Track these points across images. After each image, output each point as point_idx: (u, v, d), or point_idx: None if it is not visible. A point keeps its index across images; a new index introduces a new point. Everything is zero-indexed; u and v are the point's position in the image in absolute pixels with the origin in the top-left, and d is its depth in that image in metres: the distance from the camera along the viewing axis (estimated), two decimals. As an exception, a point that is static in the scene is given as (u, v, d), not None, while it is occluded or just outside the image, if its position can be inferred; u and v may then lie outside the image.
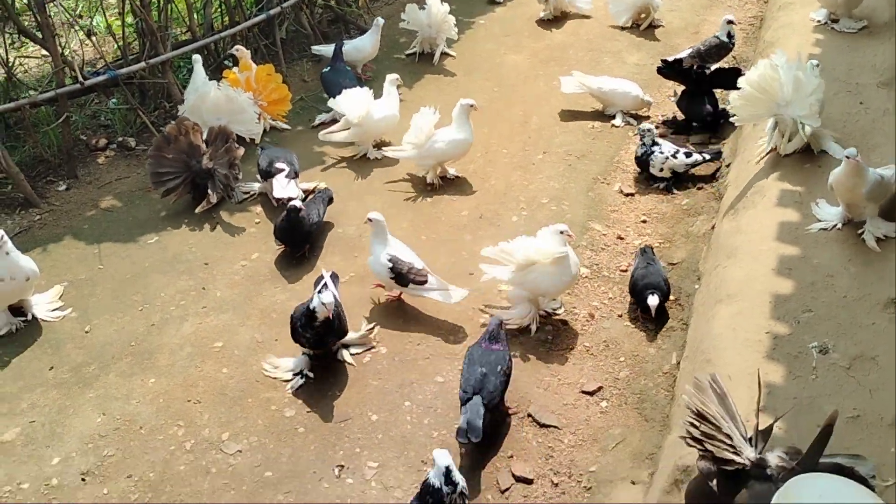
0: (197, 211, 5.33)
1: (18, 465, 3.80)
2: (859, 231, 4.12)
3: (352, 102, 5.77)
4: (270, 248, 5.06)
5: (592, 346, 4.38)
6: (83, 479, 3.72)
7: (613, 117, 6.35)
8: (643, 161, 5.61)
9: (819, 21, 6.26)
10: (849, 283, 3.86)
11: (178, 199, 5.41)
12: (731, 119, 5.18)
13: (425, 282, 4.43)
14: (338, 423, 3.97)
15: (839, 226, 4.20)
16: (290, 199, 4.98)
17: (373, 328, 4.43)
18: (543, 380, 4.17)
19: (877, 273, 3.89)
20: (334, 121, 6.14)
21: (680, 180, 5.60)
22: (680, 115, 6.28)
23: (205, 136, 5.47)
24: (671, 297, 4.56)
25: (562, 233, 4.27)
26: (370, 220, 4.53)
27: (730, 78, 5.74)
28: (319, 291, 4.04)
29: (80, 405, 4.08)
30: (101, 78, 5.90)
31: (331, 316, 3.96)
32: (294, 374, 4.18)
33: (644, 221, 5.29)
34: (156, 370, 4.27)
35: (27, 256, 4.50)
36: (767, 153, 4.96)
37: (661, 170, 5.56)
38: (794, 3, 6.71)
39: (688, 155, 5.59)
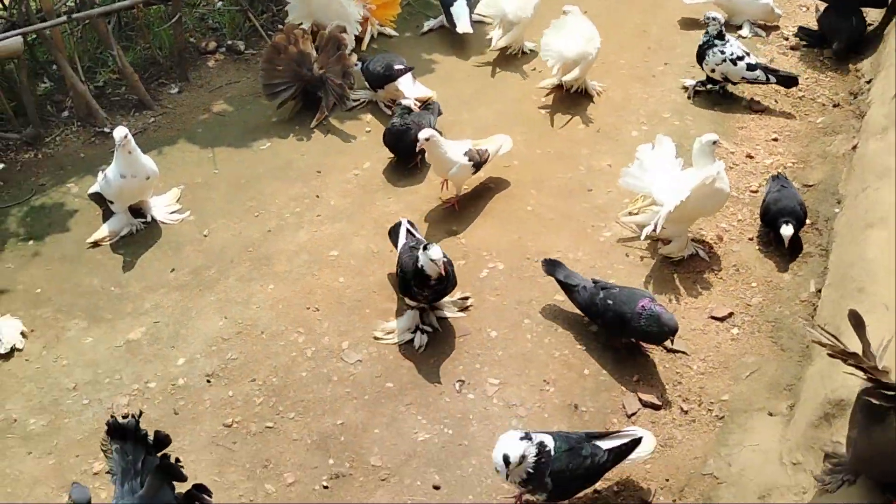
0: (312, 126, 5.21)
1: (145, 363, 3.87)
2: None
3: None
4: (382, 157, 4.94)
5: (721, 270, 4.17)
6: (208, 381, 3.76)
7: (740, 27, 5.91)
8: (700, 54, 5.17)
9: None
10: None
11: (294, 109, 5.31)
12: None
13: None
14: (458, 337, 3.90)
15: None
16: (428, 99, 4.96)
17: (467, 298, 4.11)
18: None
19: None
20: (442, 26, 5.92)
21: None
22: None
23: (315, 42, 5.32)
24: (807, 222, 4.28)
25: (714, 143, 4.01)
26: (426, 139, 4.28)
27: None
28: (425, 248, 3.63)
29: (201, 307, 4.11)
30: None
31: (443, 272, 3.65)
32: (412, 332, 3.92)
33: (775, 140, 4.96)
34: (274, 276, 4.25)
35: (147, 156, 4.49)
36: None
37: (713, 70, 5.12)
38: None
39: (751, 68, 5.04)
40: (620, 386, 3.67)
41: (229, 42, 6.00)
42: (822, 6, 5.71)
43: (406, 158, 4.86)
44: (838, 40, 5.50)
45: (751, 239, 4.33)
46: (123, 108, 5.48)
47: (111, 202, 4.48)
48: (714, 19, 5.10)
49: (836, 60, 5.53)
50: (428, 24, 6.11)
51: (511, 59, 5.73)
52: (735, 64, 5.04)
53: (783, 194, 4.22)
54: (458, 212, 4.52)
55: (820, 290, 3.88)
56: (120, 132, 4.21)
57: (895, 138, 4.17)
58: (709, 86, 5.24)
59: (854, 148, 4.60)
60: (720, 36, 5.09)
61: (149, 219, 4.57)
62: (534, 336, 3.89)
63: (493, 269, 4.24)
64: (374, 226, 4.50)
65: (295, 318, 4.03)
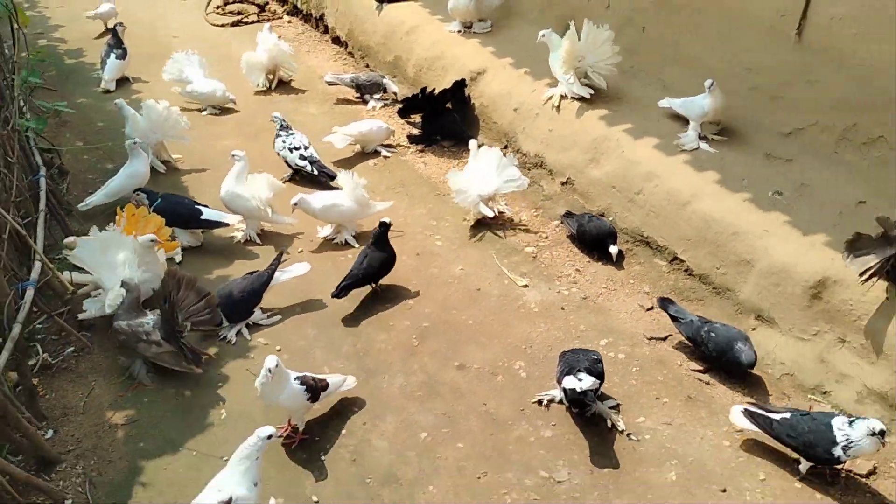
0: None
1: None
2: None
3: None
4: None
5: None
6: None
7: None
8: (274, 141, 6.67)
9: (456, 31, 7.63)
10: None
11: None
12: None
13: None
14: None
15: None
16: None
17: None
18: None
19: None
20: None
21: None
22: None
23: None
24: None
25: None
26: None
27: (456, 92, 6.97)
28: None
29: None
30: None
31: None
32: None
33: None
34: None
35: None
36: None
37: (279, 154, 6.55)
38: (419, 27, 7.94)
39: (302, 158, 6.44)
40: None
41: (31, 362, 4.37)
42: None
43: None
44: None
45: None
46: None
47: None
48: (276, 117, 6.71)
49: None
50: None
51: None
52: (291, 151, 6.49)
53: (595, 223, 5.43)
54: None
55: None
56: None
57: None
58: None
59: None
60: (283, 128, 6.65)
61: None
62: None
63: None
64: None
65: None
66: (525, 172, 6.30)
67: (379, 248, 5.08)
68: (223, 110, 7.73)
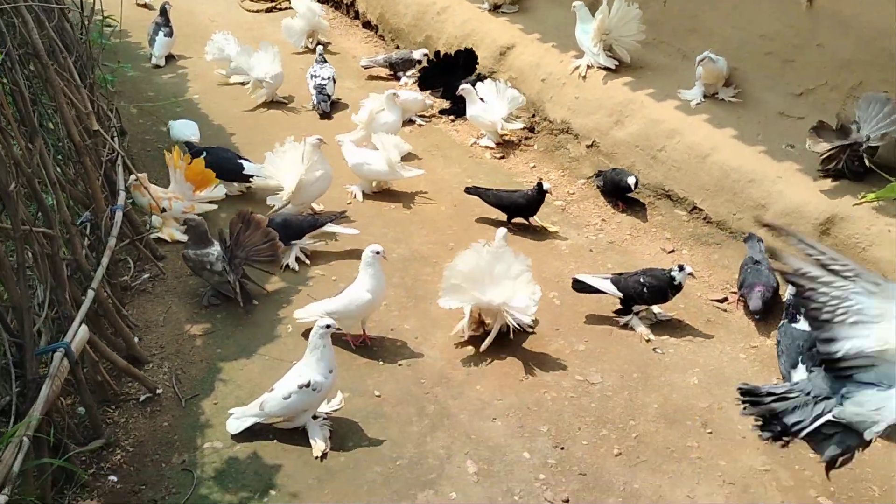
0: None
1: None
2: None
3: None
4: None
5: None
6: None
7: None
8: None
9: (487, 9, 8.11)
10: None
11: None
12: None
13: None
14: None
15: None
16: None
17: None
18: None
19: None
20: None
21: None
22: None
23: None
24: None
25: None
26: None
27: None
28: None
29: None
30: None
31: None
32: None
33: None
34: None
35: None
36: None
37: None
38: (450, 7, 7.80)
39: (314, 87, 7.50)
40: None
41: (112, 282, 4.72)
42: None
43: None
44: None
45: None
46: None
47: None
48: (319, 51, 7.75)
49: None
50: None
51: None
52: (311, 79, 7.53)
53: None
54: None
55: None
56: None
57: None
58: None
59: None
60: (319, 61, 7.61)
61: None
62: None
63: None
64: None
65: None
66: (552, 138, 6.79)
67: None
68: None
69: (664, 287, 4.58)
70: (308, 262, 5.31)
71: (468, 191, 5.91)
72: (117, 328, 4.19)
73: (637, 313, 4.73)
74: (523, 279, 4.37)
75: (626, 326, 4.70)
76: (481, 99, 6.88)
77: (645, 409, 4.10)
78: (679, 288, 4.61)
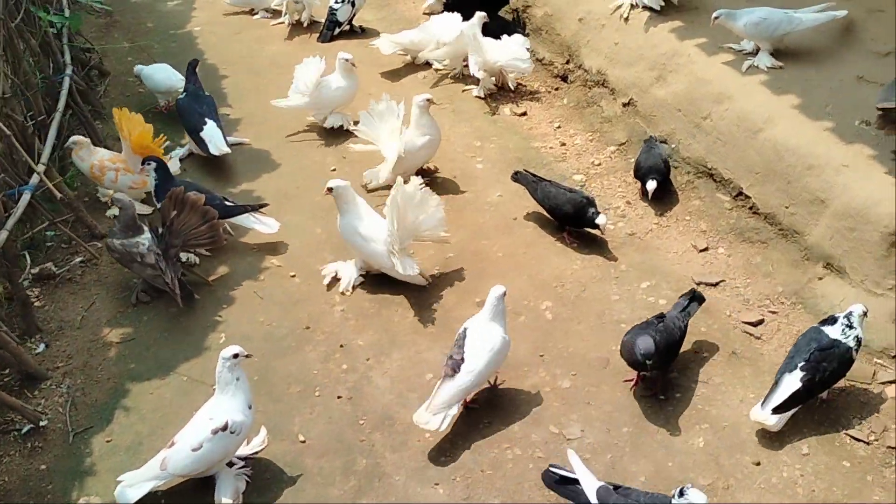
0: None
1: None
2: None
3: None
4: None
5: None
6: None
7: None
8: None
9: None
10: None
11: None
12: None
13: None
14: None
15: None
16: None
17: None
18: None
19: None
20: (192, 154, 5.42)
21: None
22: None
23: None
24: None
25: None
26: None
27: None
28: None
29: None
30: None
31: None
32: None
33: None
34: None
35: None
36: None
37: None
38: None
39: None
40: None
41: (33, 271, 4.30)
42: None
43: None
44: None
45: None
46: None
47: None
48: None
49: None
50: (178, 154, 5.40)
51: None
52: None
53: (651, 154, 4.74)
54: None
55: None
56: None
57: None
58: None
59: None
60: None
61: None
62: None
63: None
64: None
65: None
66: (584, 92, 5.75)
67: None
68: (275, 13, 7.32)
69: None
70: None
71: (516, 177, 4.77)
72: (3, 345, 3.54)
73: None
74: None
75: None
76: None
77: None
78: None
